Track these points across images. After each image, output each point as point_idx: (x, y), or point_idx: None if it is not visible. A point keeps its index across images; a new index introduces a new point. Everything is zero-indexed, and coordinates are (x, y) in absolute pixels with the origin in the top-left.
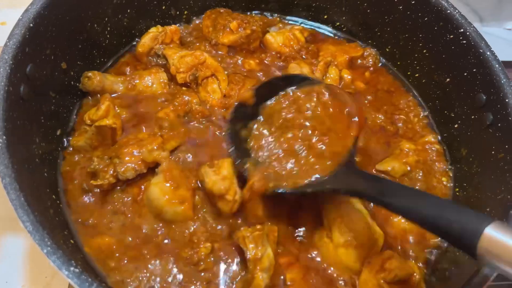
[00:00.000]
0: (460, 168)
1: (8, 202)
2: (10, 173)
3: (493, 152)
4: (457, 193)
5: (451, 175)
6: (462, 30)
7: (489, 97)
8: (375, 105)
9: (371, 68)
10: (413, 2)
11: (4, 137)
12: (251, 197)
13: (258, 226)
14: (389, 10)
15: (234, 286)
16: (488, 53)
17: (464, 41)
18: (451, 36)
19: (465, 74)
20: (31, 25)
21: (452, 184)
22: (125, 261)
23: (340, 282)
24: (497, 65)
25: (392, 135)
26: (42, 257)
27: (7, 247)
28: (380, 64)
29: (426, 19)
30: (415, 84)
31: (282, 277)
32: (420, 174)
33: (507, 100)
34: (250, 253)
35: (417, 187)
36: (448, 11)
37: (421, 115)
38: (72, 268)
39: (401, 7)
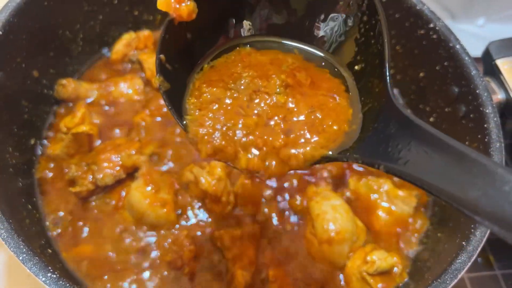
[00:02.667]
0: None
1: None
2: None
3: (467, 143)
4: None
5: None
6: (432, 25)
7: (461, 89)
8: None
9: None
10: (384, 0)
11: None
12: (245, 191)
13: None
14: None
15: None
16: (457, 46)
17: (435, 36)
18: (422, 32)
19: (437, 68)
20: (0, 33)
21: None
22: (107, 270)
23: (324, 277)
24: (466, 58)
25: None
26: (21, 271)
27: None
28: None
29: (397, 15)
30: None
31: (264, 274)
32: None
33: (477, 92)
34: (228, 253)
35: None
36: (418, 7)
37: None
38: (49, 274)
39: None
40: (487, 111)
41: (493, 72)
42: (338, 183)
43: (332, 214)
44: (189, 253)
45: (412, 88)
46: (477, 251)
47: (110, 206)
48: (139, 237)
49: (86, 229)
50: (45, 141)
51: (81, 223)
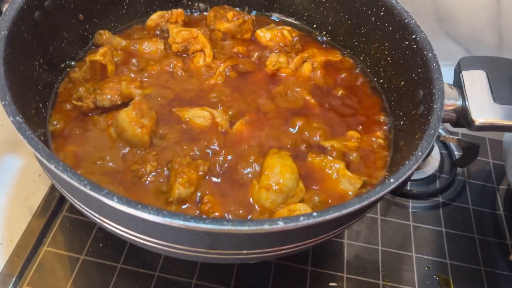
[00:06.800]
0: (395, 156)
1: (9, 128)
2: (2, 53)
3: (416, 136)
4: (386, 176)
5: (387, 161)
6: (414, 36)
7: (425, 92)
8: (341, 100)
9: (346, 74)
10: (381, 13)
11: (6, 31)
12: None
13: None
14: (365, 21)
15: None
16: (430, 54)
17: (415, 46)
18: (406, 43)
19: (413, 75)
20: None
21: (385, 170)
22: (84, 166)
23: (251, 215)
24: (434, 64)
25: (346, 125)
26: (29, 177)
27: (4, 164)
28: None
29: (390, 28)
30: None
31: (199, 193)
32: (357, 157)
33: (433, 91)
34: (172, 171)
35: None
36: (407, 20)
37: (381, 116)
38: (17, 118)
39: (373, 19)
40: (435, 106)
41: (459, 82)
42: (299, 155)
43: (279, 169)
44: (151, 168)
45: (394, 95)
46: None
47: (102, 123)
48: (118, 149)
49: (77, 135)
50: (72, 67)
51: (76, 130)
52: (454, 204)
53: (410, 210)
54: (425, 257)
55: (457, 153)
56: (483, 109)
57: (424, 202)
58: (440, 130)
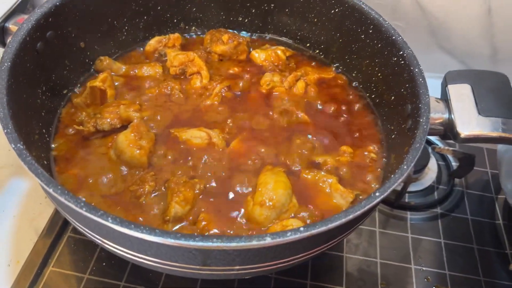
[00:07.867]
0: (387, 170)
1: None
2: (5, 83)
3: (404, 150)
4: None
5: (380, 175)
6: (401, 52)
7: (412, 106)
8: (335, 116)
9: (339, 90)
10: (370, 31)
11: (9, 63)
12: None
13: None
14: (355, 39)
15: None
16: (416, 70)
17: (403, 62)
18: (395, 59)
19: (402, 90)
20: (57, 4)
21: (378, 183)
22: (85, 187)
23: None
24: (420, 79)
25: (339, 140)
26: (36, 199)
27: (11, 187)
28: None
29: (379, 45)
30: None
31: (196, 214)
32: (350, 171)
33: (420, 105)
34: (169, 190)
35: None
36: (394, 37)
37: (373, 131)
38: (18, 145)
39: (363, 36)
40: (421, 120)
41: (445, 95)
42: (293, 171)
43: (272, 185)
44: (148, 187)
45: (385, 110)
46: None
47: (103, 146)
48: (117, 171)
49: (79, 158)
50: (74, 93)
51: (77, 154)
52: (453, 214)
53: (408, 222)
54: (424, 268)
55: (454, 164)
56: (469, 121)
57: (423, 214)
58: (437, 142)
